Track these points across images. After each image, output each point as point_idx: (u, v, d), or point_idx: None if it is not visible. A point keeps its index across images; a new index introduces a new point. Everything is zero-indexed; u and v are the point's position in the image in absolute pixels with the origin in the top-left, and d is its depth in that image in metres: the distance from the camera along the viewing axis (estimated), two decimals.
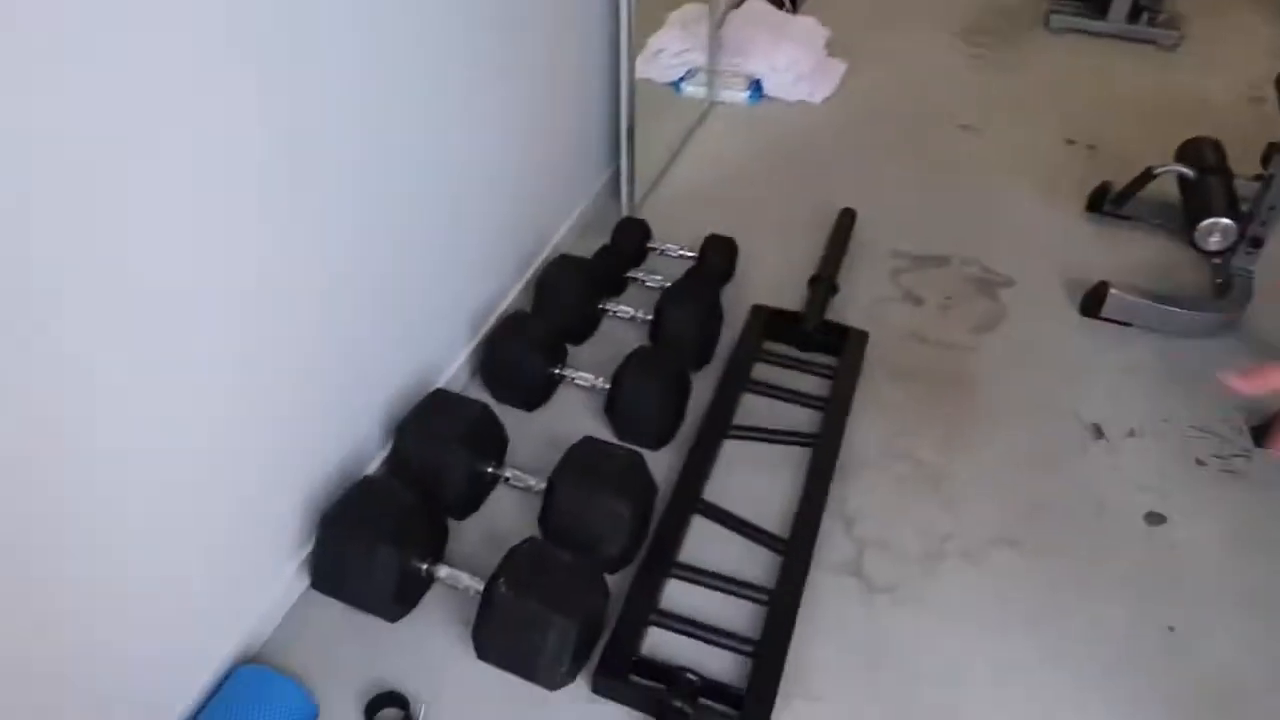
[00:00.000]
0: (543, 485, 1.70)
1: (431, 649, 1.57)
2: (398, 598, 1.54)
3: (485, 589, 1.47)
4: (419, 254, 1.80)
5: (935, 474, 1.98)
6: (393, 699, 1.48)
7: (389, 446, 1.77)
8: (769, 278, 2.49)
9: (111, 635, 1.25)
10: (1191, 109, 3.24)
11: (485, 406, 1.78)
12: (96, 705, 1.26)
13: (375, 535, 1.50)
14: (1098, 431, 2.09)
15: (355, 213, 1.56)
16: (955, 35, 3.81)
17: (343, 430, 1.69)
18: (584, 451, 1.71)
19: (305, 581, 1.62)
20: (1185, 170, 2.42)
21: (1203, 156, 2.45)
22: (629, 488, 1.66)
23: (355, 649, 1.56)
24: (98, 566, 1.20)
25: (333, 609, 1.57)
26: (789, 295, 2.40)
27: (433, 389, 1.82)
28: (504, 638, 1.45)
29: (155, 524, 1.28)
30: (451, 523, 1.77)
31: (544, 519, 1.68)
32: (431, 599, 1.64)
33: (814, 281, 2.41)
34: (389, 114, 1.59)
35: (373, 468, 1.78)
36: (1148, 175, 2.49)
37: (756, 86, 3.34)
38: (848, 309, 2.39)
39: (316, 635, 1.58)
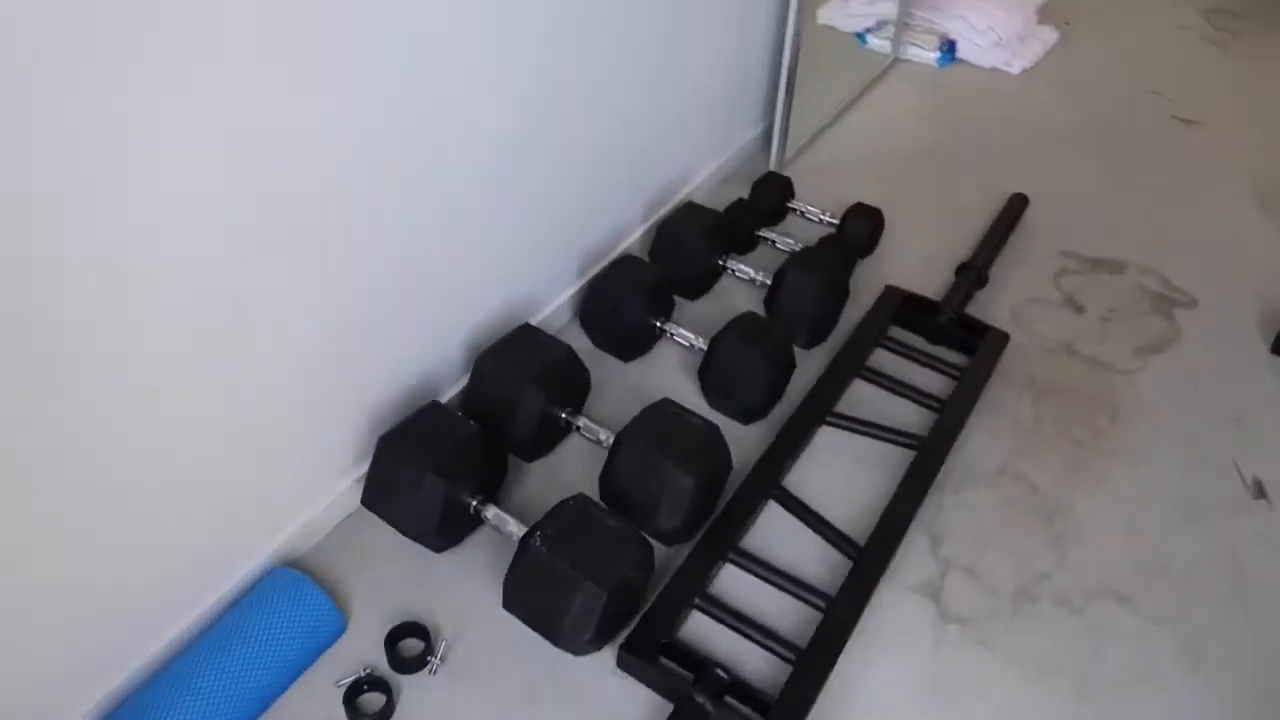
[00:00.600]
0: (612, 439, 1.62)
1: (467, 587, 1.54)
2: (441, 530, 1.51)
3: (521, 540, 1.41)
4: (532, 180, 1.74)
5: (1050, 505, 1.77)
6: (416, 630, 1.46)
7: (468, 376, 1.73)
8: (912, 259, 2.29)
9: (149, 509, 1.27)
10: None
11: (570, 350, 1.71)
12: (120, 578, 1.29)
13: (427, 463, 1.47)
14: (1259, 490, 1.82)
15: (492, 130, 1.50)
16: (1199, 13, 3.36)
17: (421, 352, 1.66)
18: (659, 414, 1.62)
19: (359, 498, 1.61)
20: None
21: None
22: (698, 460, 1.56)
23: (395, 572, 1.55)
24: (160, 440, 1.23)
25: (383, 530, 1.56)
26: (929, 282, 2.20)
27: (522, 323, 1.76)
28: (531, 593, 1.40)
29: (218, 413, 1.29)
30: (518, 464, 1.73)
31: (605, 478, 1.61)
32: (481, 537, 1.61)
33: (962, 269, 2.20)
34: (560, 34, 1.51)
35: (448, 395, 1.76)
36: None
37: (949, 48, 3.07)
38: (993, 306, 2.16)
39: (360, 553, 1.58)
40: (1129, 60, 3.10)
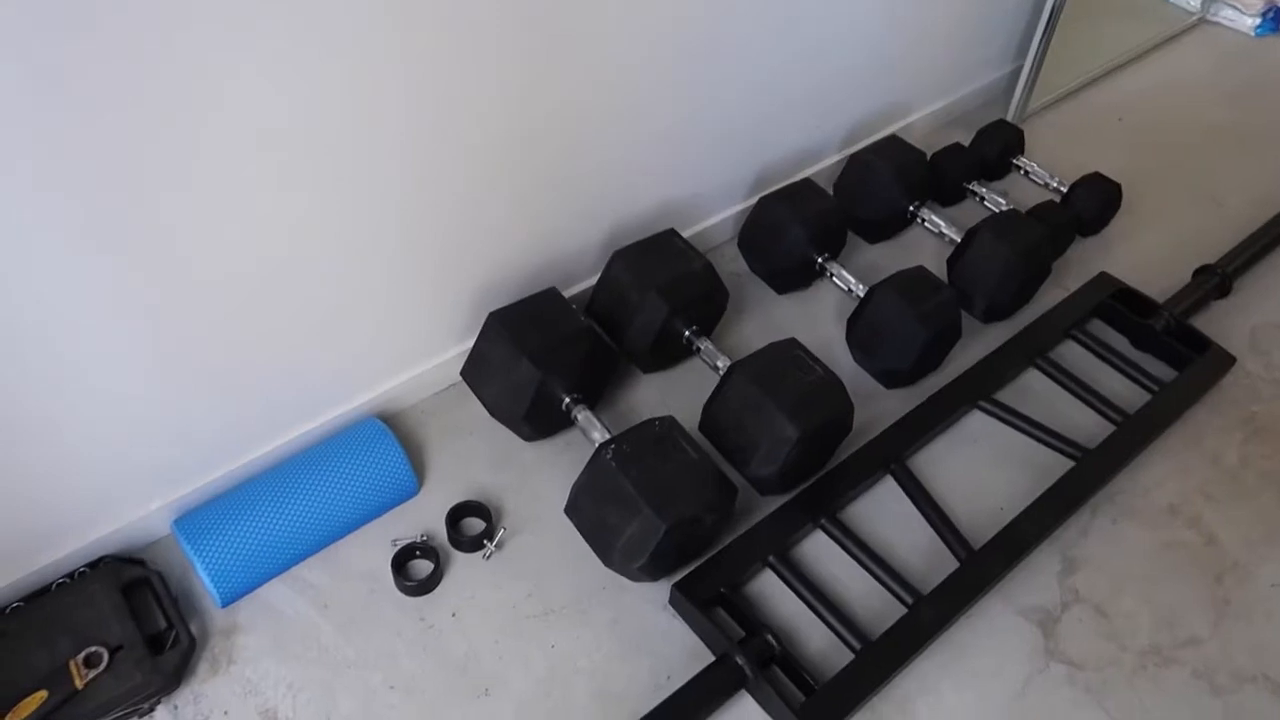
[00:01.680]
0: (726, 368, 1.51)
1: (543, 482, 1.50)
2: (530, 418, 1.46)
3: (596, 450, 1.34)
4: (718, 73, 1.60)
5: (1223, 562, 1.49)
6: (479, 511, 1.44)
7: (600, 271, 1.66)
8: (1145, 249, 1.97)
9: (267, 328, 1.30)
10: None
11: (708, 264, 1.59)
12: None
13: (526, 347, 1.42)
14: None
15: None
16: None
17: (558, 236, 1.60)
18: (779, 354, 1.48)
19: None
20: None
21: None
22: (809, 411, 1.41)
23: (478, 450, 1.53)
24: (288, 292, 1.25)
25: (479, 407, 1.53)
26: (1158, 281, 1.88)
27: (669, 228, 1.66)
28: (592, 506, 1.33)
29: (341, 267, 1.30)
30: (634, 374, 1.65)
31: (708, 408, 1.50)
32: (572, 436, 1.55)
33: (1202, 271, 1.87)
34: None
35: (577, 288, 1.69)
36: None
37: (1274, 15, 2.58)
38: (1229, 323, 1.83)
39: (453, 423, 1.56)
40: None
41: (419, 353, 1.55)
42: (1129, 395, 1.69)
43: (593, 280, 1.68)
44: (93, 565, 1.30)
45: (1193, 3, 2.60)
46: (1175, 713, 1.33)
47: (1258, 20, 2.58)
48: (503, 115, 1.35)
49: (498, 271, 1.55)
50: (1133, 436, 1.59)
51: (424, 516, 1.45)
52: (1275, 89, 2.43)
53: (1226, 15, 2.62)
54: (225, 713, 1.24)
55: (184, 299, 1.18)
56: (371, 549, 1.41)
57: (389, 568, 1.37)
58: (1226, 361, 1.72)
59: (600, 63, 1.41)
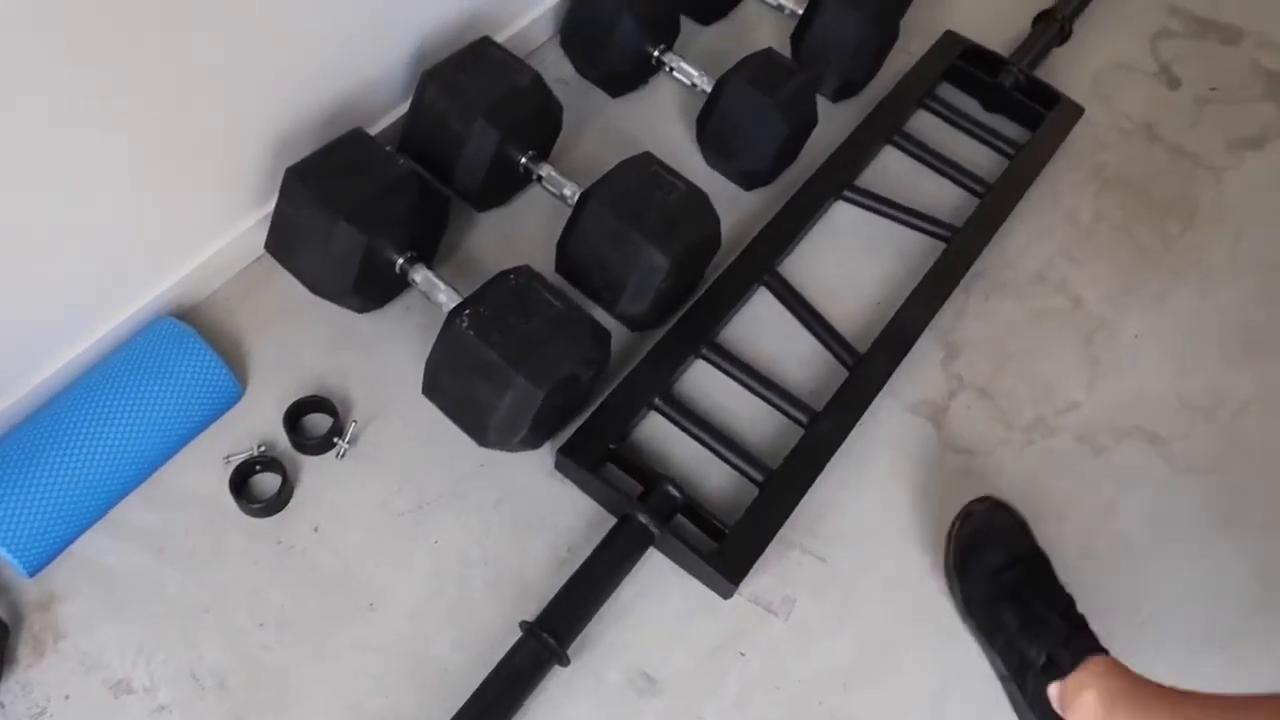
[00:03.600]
0: (576, 197, 1.32)
1: (390, 359, 1.31)
2: (359, 290, 1.25)
3: (447, 318, 1.16)
4: None
5: (1092, 323, 1.50)
6: (322, 405, 1.24)
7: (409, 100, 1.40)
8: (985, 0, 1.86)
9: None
10: None
11: (537, 76, 1.37)
12: None
13: (340, 207, 1.18)
14: None
15: None
16: None
17: (352, 64, 1.32)
18: (634, 173, 1.31)
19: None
20: None
21: None
22: (677, 235, 1.26)
23: (305, 334, 1.31)
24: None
25: (295, 281, 1.29)
26: (1001, 32, 1.79)
27: (483, 36, 1.40)
28: (455, 383, 1.16)
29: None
30: (467, 213, 1.44)
31: (563, 245, 1.32)
32: (413, 298, 1.35)
33: (1041, 18, 1.78)
34: None
35: (385, 123, 1.43)
36: None
37: None
38: (1071, 70, 1.77)
39: (266, 307, 1.32)
40: None
41: (208, 229, 1.28)
42: (987, 163, 1.62)
43: (403, 110, 1.42)
44: None
45: None
46: (1063, 480, 1.35)
47: None
48: None
49: (287, 117, 1.27)
50: (997, 207, 1.54)
51: (257, 423, 1.24)
52: None
53: None
54: (66, 697, 1.06)
55: None
56: (203, 472, 1.20)
57: (228, 491, 1.17)
58: (1075, 112, 1.66)
59: None
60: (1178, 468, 1.38)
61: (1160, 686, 1.00)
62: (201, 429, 1.22)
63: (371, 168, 1.24)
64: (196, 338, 1.21)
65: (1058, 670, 1.06)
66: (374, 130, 1.42)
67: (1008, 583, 1.16)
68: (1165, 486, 1.36)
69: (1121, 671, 1.04)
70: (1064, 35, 1.78)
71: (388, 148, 1.27)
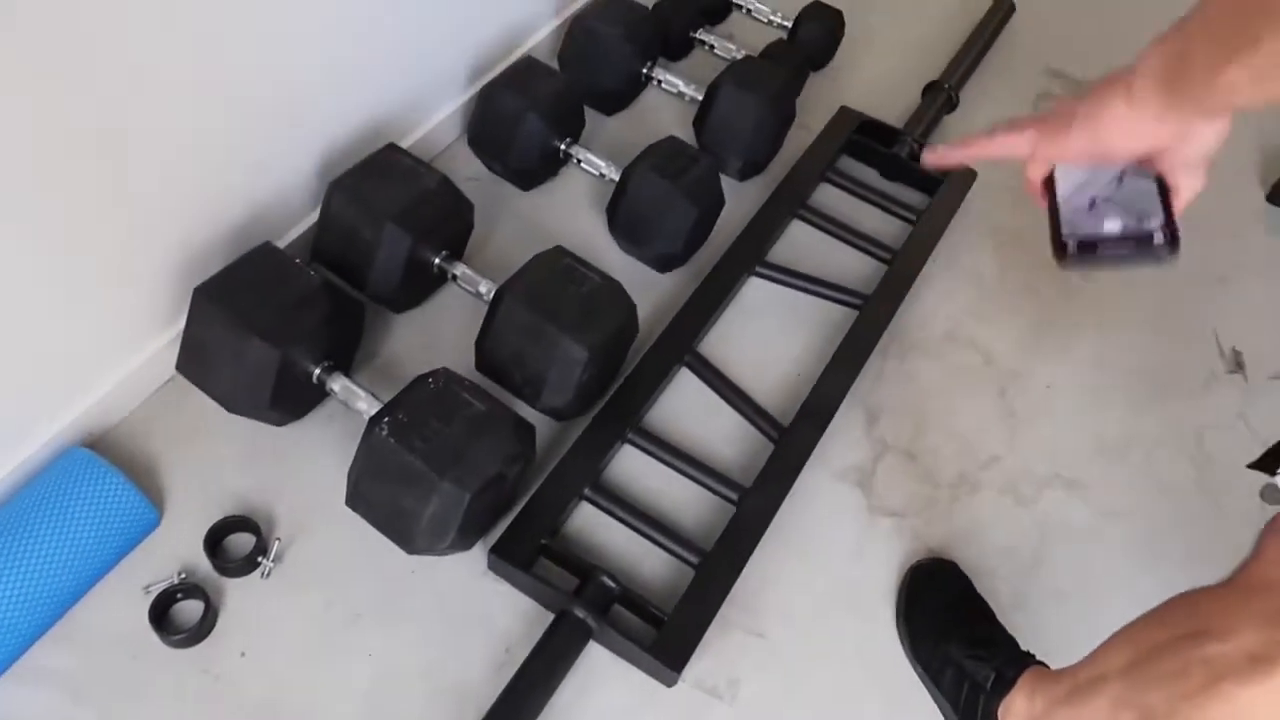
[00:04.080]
0: (492, 295, 1.33)
1: (312, 471, 1.29)
2: (276, 404, 1.24)
3: (367, 426, 1.15)
4: None
5: (1005, 377, 1.54)
6: (244, 525, 1.22)
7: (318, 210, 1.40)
8: (876, 74, 1.95)
9: None
10: None
11: (444, 179, 1.38)
12: None
13: (252, 323, 1.17)
14: (1236, 362, 1.61)
15: None
16: None
17: (257, 178, 1.33)
18: (548, 267, 1.32)
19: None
20: None
21: None
22: (594, 326, 1.28)
23: (223, 452, 1.29)
24: None
25: (207, 401, 1.27)
26: (894, 103, 1.87)
27: (388, 144, 1.42)
28: (379, 492, 1.15)
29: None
30: (385, 316, 1.44)
31: (481, 343, 1.33)
32: (334, 406, 1.34)
33: (930, 89, 1.87)
34: None
35: (295, 233, 1.43)
36: None
37: None
38: (960, 136, 1.85)
39: (181, 427, 1.30)
40: None
41: (115, 353, 1.26)
42: (891, 230, 1.68)
43: (313, 219, 1.42)
44: None
45: None
46: (992, 535, 1.38)
47: None
48: (160, 50, 1.05)
49: (193, 236, 1.26)
50: (903, 272, 1.59)
51: (177, 549, 1.20)
52: None
53: None
54: None
55: None
56: (120, 605, 1.15)
57: (148, 623, 1.13)
58: (969, 177, 1.74)
59: None
60: (1098, 512, 1.42)
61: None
62: (118, 560, 1.18)
63: (281, 281, 1.23)
64: (108, 466, 1.18)
65: (1007, 686, 1.06)
66: (285, 240, 1.42)
67: (952, 619, 1.21)
68: (1088, 532, 1.39)
69: (1047, 670, 1.05)
70: (952, 104, 1.86)
71: (297, 259, 1.27)
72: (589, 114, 1.67)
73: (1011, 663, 1.09)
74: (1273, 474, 1.18)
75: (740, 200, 1.66)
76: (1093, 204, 0.78)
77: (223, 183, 1.28)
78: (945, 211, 1.68)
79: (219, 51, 1.15)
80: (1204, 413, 1.54)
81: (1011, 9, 2.04)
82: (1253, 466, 1.26)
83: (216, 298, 1.20)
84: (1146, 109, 0.71)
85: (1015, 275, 1.67)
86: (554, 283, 1.30)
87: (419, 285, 1.42)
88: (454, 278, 1.41)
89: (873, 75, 1.94)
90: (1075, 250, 0.77)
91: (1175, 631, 0.79)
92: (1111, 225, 0.76)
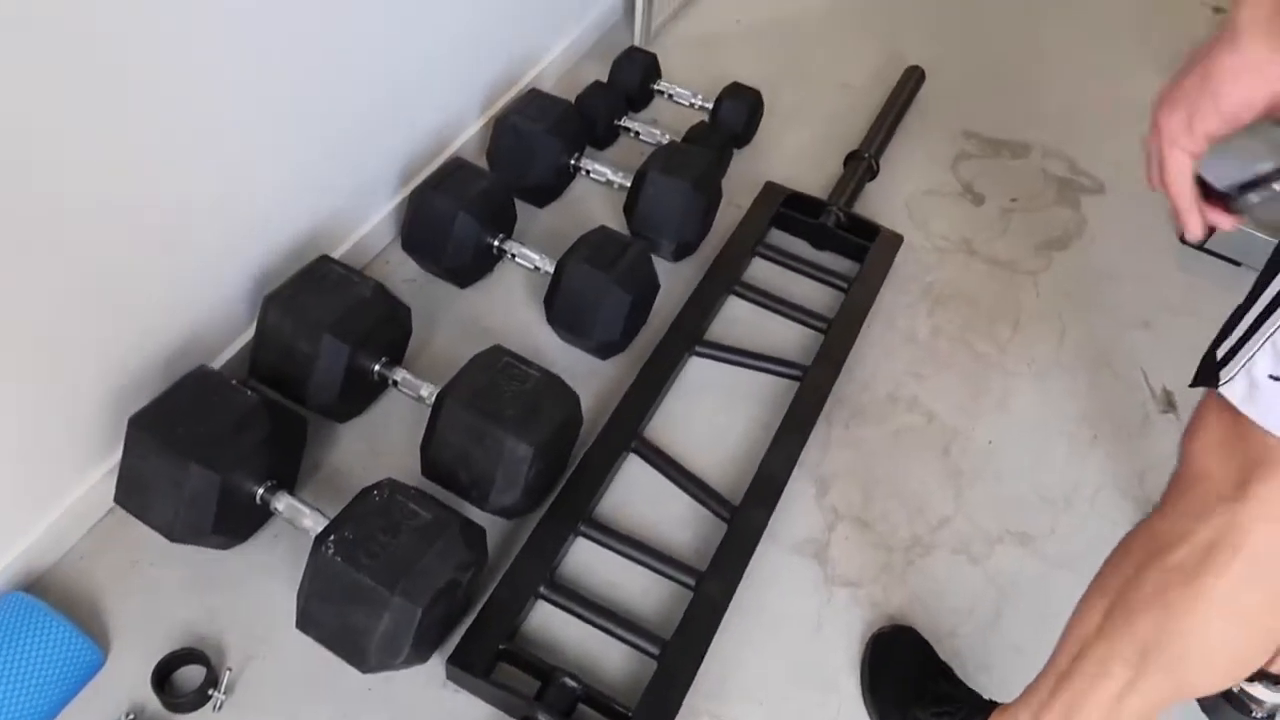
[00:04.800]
0: (434, 399, 1.34)
1: (261, 594, 1.26)
2: (219, 529, 1.22)
3: (313, 546, 1.14)
4: (326, 60, 1.37)
5: (947, 435, 1.57)
6: (193, 657, 1.19)
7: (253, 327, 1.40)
8: (796, 148, 2.00)
9: None
10: None
11: (378, 286, 1.39)
12: None
13: (194, 452, 1.16)
14: (1168, 401, 1.65)
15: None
16: None
17: (187, 299, 1.33)
18: (487, 367, 1.33)
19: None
20: None
21: None
22: (537, 423, 1.28)
23: (168, 582, 1.26)
24: None
25: (149, 531, 1.25)
26: (817, 174, 1.93)
27: (321, 255, 1.43)
28: (329, 612, 1.13)
29: None
30: (329, 427, 1.43)
31: (426, 448, 1.33)
32: (280, 525, 1.32)
33: (850, 159, 1.93)
34: None
35: (231, 350, 1.43)
36: None
37: None
38: (886, 201, 1.91)
39: (123, 560, 1.27)
40: None
41: (50, 491, 1.23)
42: (825, 299, 1.72)
43: (249, 335, 1.42)
44: None
45: None
46: (949, 596, 1.38)
47: None
48: (87, 173, 1.05)
49: (125, 365, 1.25)
50: (840, 339, 1.62)
51: (124, 687, 1.17)
52: None
53: None
54: None
55: None
56: None
57: None
58: (896, 241, 1.79)
59: (199, 59, 1.14)
60: (1050, 563, 1.43)
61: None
62: (63, 705, 1.15)
63: (217, 404, 1.23)
64: (46, 610, 1.15)
65: None
66: (222, 358, 1.42)
67: (916, 682, 1.22)
68: (1042, 584, 1.41)
69: (1016, 700, 1.08)
70: (873, 172, 1.92)
71: (234, 379, 1.26)
72: (521, 207, 1.70)
73: (977, 712, 1.11)
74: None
75: (676, 281, 1.69)
76: (1235, 158, 0.77)
77: (151, 309, 1.27)
78: (876, 276, 1.73)
79: (149, 180, 1.16)
80: (1142, 454, 1.58)
81: (922, 76, 2.12)
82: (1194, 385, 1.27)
83: (151, 426, 1.19)
84: (1256, 53, 0.70)
85: (949, 332, 1.71)
86: (494, 382, 1.31)
87: (360, 393, 1.42)
88: (395, 383, 1.41)
89: (794, 148, 2.00)
90: (1236, 193, 0.76)
91: (1138, 558, 0.88)
92: (1264, 166, 0.75)
